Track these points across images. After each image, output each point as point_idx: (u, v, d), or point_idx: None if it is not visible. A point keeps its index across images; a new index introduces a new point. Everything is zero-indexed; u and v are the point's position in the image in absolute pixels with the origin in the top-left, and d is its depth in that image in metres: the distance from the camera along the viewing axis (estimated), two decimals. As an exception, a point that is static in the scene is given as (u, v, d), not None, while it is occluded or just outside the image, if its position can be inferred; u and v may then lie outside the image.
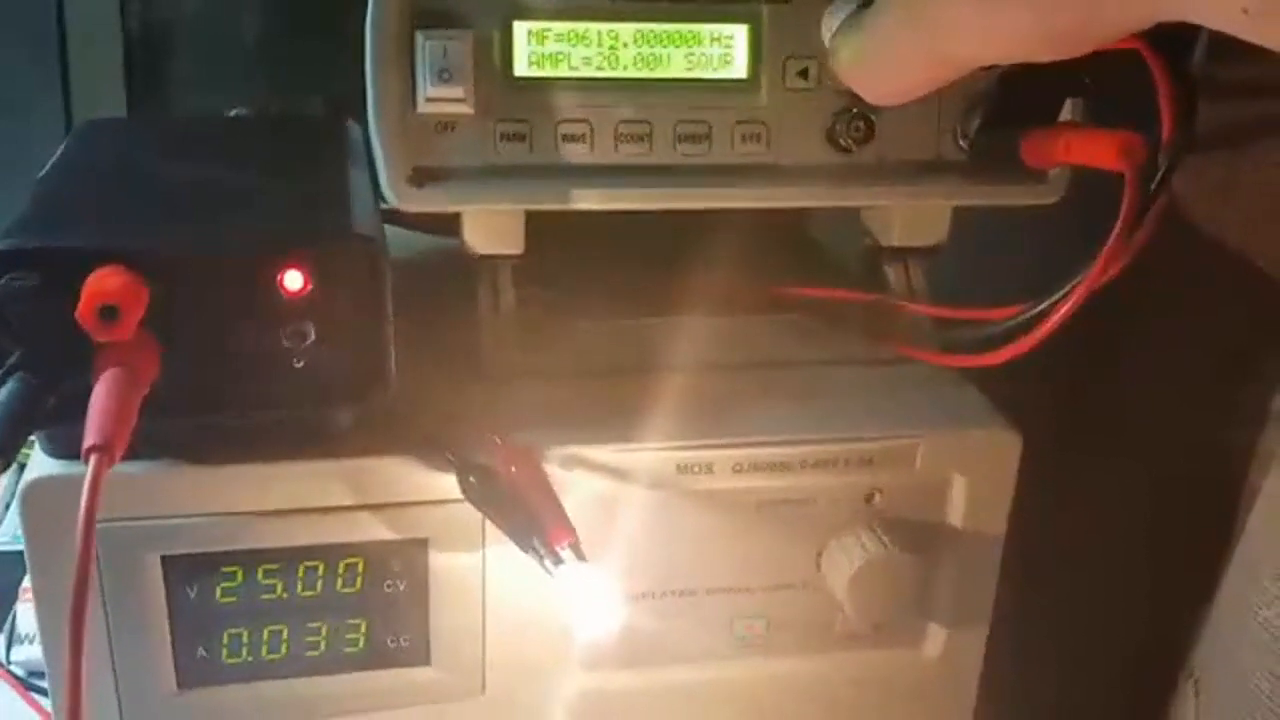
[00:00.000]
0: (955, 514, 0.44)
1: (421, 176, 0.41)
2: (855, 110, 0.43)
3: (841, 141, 0.43)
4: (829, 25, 0.41)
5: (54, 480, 0.37)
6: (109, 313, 0.32)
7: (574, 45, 0.41)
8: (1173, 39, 0.35)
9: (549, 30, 0.41)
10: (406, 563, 0.40)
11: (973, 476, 0.43)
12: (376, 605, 0.41)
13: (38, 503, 0.37)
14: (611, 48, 0.41)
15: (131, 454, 0.33)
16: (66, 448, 0.37)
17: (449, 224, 0.44)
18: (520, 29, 0.41)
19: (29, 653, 0.55)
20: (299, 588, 0.40)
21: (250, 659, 0.40)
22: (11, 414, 0.33)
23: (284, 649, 0.41)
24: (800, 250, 0.56)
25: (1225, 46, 0.29)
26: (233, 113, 0.54)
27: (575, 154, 0.42)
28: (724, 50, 0.42)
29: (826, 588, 0.43)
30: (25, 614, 0.56)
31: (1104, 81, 0.41)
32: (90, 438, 0.31)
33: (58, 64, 0.75)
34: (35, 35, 0.74)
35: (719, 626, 0.44)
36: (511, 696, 0.43)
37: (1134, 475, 0.51)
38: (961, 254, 0.48)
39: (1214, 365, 0.49)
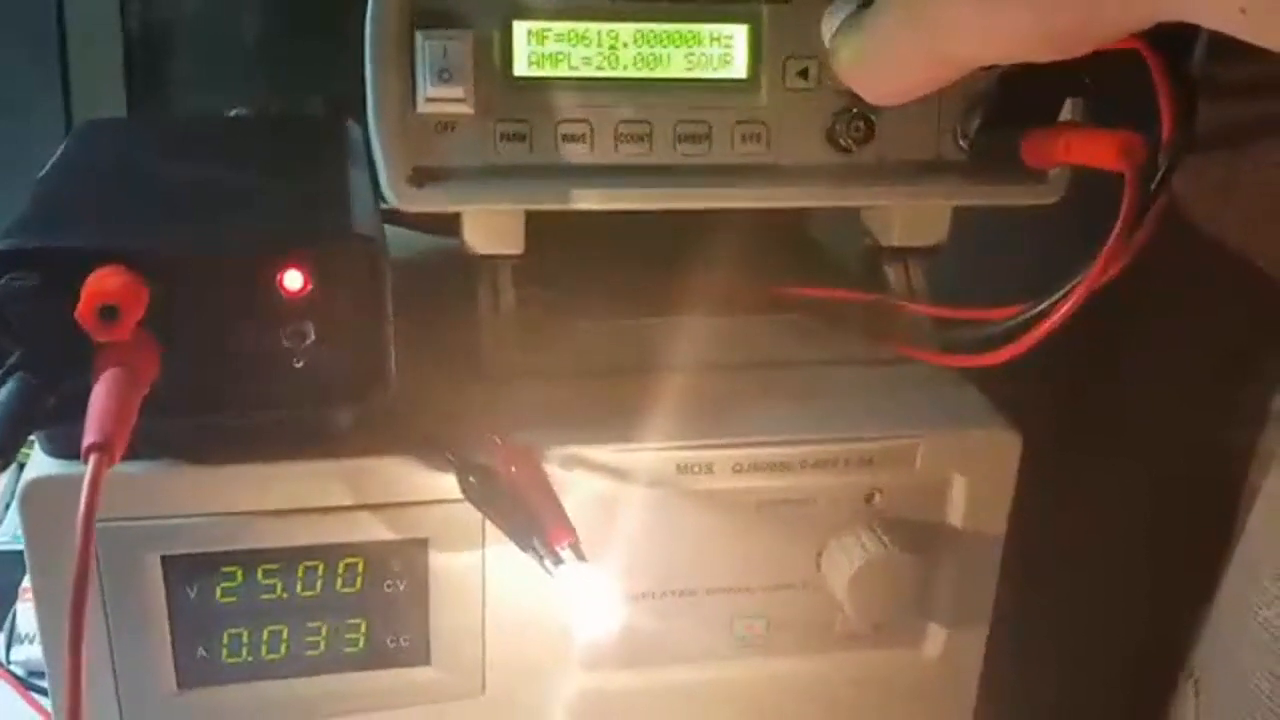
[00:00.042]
0: (955, 514, 0.44)
1: (421, 176, 0.41)
2: (855, 110, 0.43)
3: (841, 141, 0.43)
4: (829, 25, 0.41)
5: (54, 480, 0.37)
6: (109, 313, 0.32)
7: (574, 45, 0.41)
8: (1173, 39, 0.35)
9: (549, 30, 0.41)
10: (406, 563, 0.40)
11: (973, 476, 0.43)
12: (376, 605, 0.41)
13: (38, 502, 0.37)
14: (611, 48, 0.41)
15: (131, 454, 0.33)
16: (66, 447, 0.36)
17: (449, 224, 0.44)
18: (520, 29, 0.41)
19: (29, 653, 0.55)
20: (299, 588, 0.40)
21: (250, 659, 0.40)
22: (11, 414, 0.33)
23: (284, 649, 0.41)
24: (800, 250, 0.56)
25: (1225, 46, 0.29)
26: (233, 113, 0.54)
27: (575, 154, 0.42)
28: (724, 50, 0.42)
29: (826, 588, 0.43)
30: (25, 614, 0.56)
31: (1104, 81, 0.41)
32: (90, 437, 0.31)
33: (58, 64, 0.75)
34: (35, 35, 0.74)
35: (719, 626, 0.44)
36: (511, 696, 0.43)
37: (1134, 475, 0.51)
38: (961, 254, 0.48)
39: (1214, 365, 0.49)
